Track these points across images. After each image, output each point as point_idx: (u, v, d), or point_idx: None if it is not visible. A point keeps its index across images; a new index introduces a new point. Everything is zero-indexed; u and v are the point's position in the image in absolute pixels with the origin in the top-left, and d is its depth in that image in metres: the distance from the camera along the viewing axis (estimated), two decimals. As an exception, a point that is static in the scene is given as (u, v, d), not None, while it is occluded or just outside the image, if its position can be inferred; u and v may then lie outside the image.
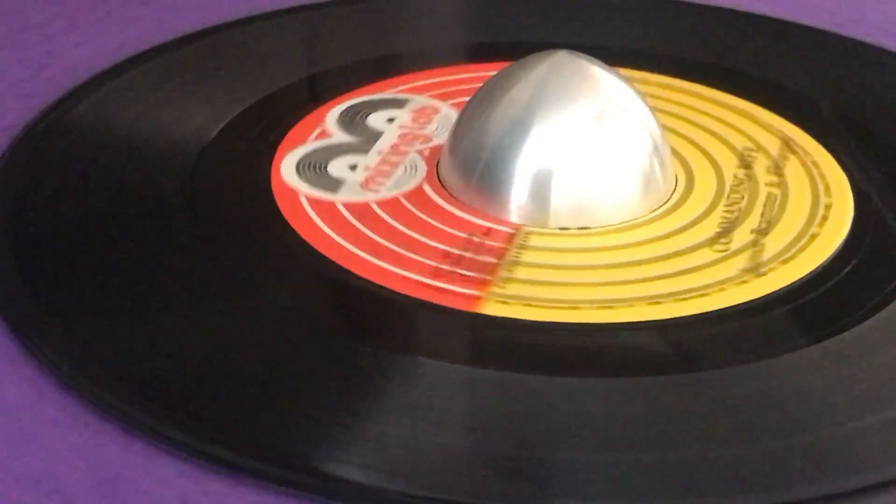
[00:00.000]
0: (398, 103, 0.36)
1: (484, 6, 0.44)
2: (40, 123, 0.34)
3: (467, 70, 0.38)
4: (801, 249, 0.30)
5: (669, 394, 0.25)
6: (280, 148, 0.34)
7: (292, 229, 0.30)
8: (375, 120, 0.35)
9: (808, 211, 0.31)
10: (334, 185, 0.32)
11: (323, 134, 0.34)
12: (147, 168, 0.32)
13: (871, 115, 0.36)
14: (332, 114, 0.35)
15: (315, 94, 0.37)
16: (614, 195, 0.31)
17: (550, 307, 0.27)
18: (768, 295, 0.28)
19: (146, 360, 0.26)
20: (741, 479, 0.23)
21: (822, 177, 0.33)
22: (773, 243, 0.30)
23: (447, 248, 0.29)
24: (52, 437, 0.24)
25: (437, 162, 0.33)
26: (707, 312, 0.27)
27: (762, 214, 0.31)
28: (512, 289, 0.28)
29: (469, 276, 0.28)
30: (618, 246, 0.30)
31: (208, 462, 0.23)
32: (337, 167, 0.33)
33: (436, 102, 0.36)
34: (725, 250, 0.30)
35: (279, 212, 0.31)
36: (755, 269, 0.29)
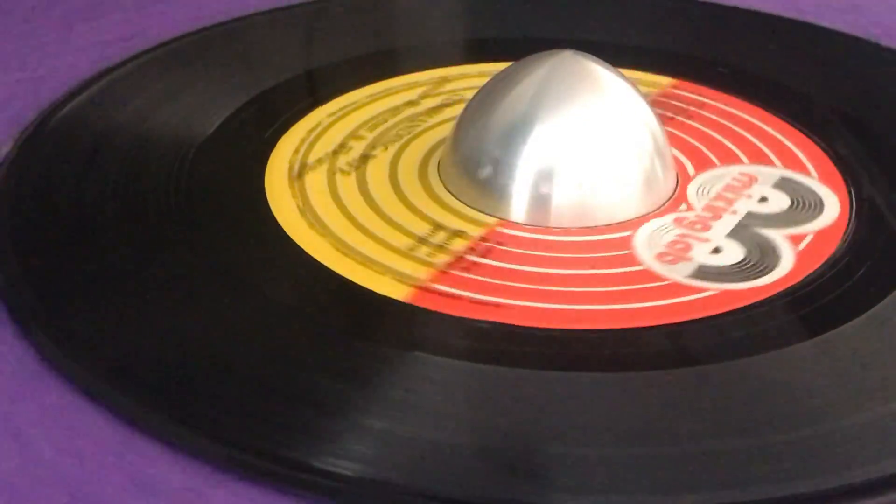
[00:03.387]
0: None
1: (486, 2, 0.44)
2: (39, 123, 0.34)
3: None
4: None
5: (666, 389, 0.25)
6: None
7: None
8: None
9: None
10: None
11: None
12: (144, 165, 0.32)
13: (870, 112, 0.36)
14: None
15: (312, 90, 0.37)
16: (616, 195, 0.31)
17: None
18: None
19: (144, 357, 0.26)
20: (738, 474, 0.23)
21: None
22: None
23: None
24: (50, 435, 0.24)
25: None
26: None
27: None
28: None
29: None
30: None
31: (206, 459, 0.23)
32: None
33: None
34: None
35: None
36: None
